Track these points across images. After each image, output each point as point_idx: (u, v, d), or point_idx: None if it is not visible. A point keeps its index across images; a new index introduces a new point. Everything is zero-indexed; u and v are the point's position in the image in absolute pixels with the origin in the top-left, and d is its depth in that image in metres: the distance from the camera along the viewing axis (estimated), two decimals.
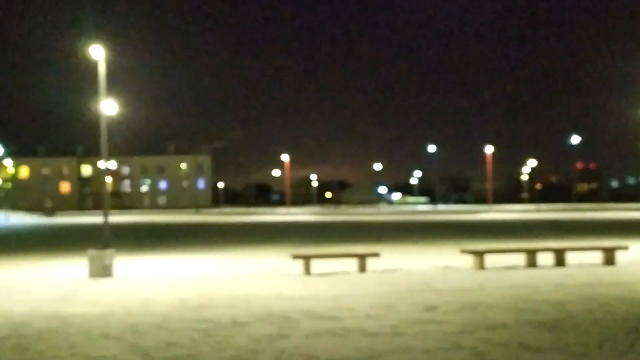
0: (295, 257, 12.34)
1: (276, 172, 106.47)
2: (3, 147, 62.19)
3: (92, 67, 13.06)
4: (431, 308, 7.86)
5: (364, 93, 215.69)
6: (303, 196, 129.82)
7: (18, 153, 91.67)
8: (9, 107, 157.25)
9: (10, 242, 25.72)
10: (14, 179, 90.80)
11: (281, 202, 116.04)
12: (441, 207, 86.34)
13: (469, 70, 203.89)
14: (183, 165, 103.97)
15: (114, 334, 6.63)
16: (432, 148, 79.98)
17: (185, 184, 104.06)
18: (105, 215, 13.39)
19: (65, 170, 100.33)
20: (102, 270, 11.69)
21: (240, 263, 14.48)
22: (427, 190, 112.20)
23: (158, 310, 8.01)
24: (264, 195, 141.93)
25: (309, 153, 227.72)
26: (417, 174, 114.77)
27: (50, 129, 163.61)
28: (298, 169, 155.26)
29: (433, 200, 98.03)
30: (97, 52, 12.55)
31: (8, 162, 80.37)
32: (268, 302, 8.49)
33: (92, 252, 11.87)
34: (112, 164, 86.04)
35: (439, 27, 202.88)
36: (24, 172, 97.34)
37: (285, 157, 75.79)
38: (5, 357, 5.79)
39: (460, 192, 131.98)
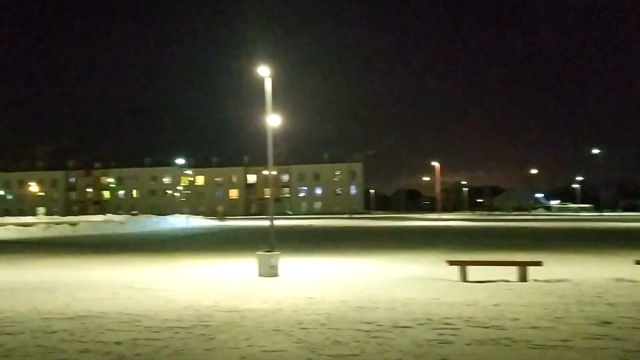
0: (451, 263, 12.18)
1: (426, 178, 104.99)
2: (184, 159, 70.27)
3: (259, 85, 14.27)
4: (606, 322, 7.26)
5: (518, 94, 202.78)
6: (453, 202, 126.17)
7: (196, 164, 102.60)
8: (189, 125, 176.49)
9: (192, 242, 28.85)
10: (192, 186, 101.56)
11: (431, 208, 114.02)
12: (607, 213, 77.85)
13: (635, 64, 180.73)
14: (337, 173, 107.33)
15: (284, 330, 7.19)
16: (595, 151, 73.38)
17: (338, 190, 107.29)
18: (271, 220, 14.47)
19: (234, 179, 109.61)
20: (269, 270, 12.68)
21: (396, 267, 14.64)
22: (590, 196, 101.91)
23: (322, 309, 8.49)
24: (414, 200, 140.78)
25: (460, 158, 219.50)
26: (579, 178, 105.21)
27: (222, 142, 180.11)
28: (449, 174, 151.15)
29: (597, 207, 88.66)
30: (264, 71, 13.69)
31: (188, 172, 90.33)
32: (427, 307, 8.53)
33: (260, 253, 12.94)
34: (273, 172, 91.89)
35: (599, 24, 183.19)
36: (200, 180, 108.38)
37: (435, 163, 74.41)
38: (193, 344, 6.61)
39: (630, 198, 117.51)
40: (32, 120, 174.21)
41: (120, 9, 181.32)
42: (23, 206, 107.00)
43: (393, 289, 10.55)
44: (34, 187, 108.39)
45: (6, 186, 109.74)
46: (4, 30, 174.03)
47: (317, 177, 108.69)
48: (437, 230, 37.53)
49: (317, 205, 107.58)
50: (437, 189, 74.21)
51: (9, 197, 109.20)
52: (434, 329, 7.05)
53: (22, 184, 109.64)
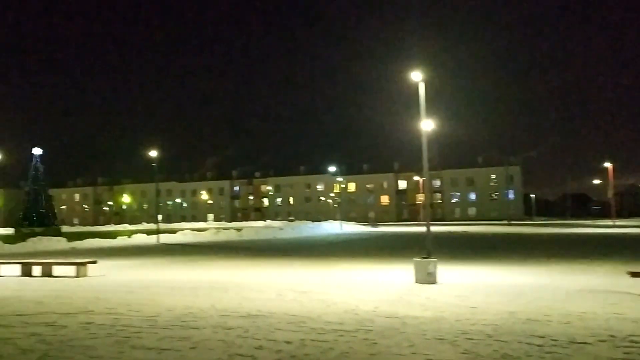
0: (634, 274, 10.92)
1: (596, 181, 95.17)
2: (336, 166, 72.54)
3: (410, 89, 14.17)
4: None
5: None
6: (630, 207, 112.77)
7: (347, 171, 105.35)
8: (341, 132, 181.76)
9: (348, 247, 29.51)
10: (344, 193, 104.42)
11: (602, 214, 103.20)
12: None
13: None
14: (492, 177, 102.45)
15: (448, 339, 7.00)
16: None
17: (494, 195, 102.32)
18: (427, 226, 14.23)
19: (385, 185, 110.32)
20: (426, 277, 12.47)
21: (566, 277, 13.47)
22: None
23: (487, 320, 8.11)
24: (582, 206, 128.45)
25: (637, 158, 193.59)
26: None
27: (373, 149, 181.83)
28: (624, 176, 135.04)
29: None
30: (417, 76, 13.57)
31: (340, 179, 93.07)
32: (607, 323, 7.72)
33: (417, 260, 12.78)
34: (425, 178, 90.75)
35: None
36: (352, 187, 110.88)
37: (608, 164, 67.20)
38: (357, 347, 6.73)
39: None
40: (204, 134, 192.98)
41: (277, 19, 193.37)
42: (195, 213, 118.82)
43: (566, 301, 9.72)
44: (204, 196, 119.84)
45: (182, 195, 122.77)
46: (186, 50, 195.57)
47: (470, 181, 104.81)
48: (611, 238, 33.83)
49: (471, 211, 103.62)
50: (610, 193, 67.01)
51: (184, 205, 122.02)
52: (619, 346, 6.35)
53: (195, 193, 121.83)
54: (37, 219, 65.76)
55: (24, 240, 36.51)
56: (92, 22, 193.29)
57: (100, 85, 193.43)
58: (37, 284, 14.35)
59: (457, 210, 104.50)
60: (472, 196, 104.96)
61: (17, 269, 17.08)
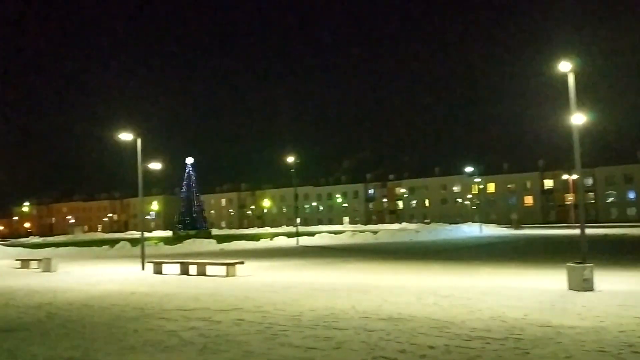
0: None
1: None
2: (473, 167, 69.87)
3: (553, 81, 13.16)
4: None
5: None
6: None
7: (486, 171, 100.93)
8: (477, 131, 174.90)
9: (489, 251, 28.23)
10: (483, 194, 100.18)
11: None
12: None
13: None
14: None
15: (611, 351, 6.37)
16: None
17: None
18: (582, 228, 13.11)
19: (528, 184, 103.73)
20: (582, 284, 11.46)
21: None
22: None
23: None
24: None
25: None
26: None
27: (513, 147, 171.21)
28: None
29: None
30: (565, 66, 12.54)
31: (478, 180, 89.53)
32: None
33: (571, 265, 11.80)
34: (574, 176, 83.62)
35: None
36: (491, 187, 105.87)
37: None
38: (507, 356, 6.37)
39: None
40: (338, 138, 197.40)
41: (414, 17, 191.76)
42: (331, 216, 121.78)
43: None
44: (339, 199, 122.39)
45: (318, 199, 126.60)
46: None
47: (629, 179, 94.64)
48: None
49: (631, 211, 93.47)
50: None
51: (321, 208, 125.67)
52: None
53: (330, 196, 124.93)
54: (190, 222, 72.17)
55: (180, 242, 40.30)
56: (231, 34, 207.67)
57: (241, 97, 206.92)
58: (193, 282, 15.71)
59: (614, 211, 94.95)
60: (631, 195, 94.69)
61: (177, 268, 18.89)
